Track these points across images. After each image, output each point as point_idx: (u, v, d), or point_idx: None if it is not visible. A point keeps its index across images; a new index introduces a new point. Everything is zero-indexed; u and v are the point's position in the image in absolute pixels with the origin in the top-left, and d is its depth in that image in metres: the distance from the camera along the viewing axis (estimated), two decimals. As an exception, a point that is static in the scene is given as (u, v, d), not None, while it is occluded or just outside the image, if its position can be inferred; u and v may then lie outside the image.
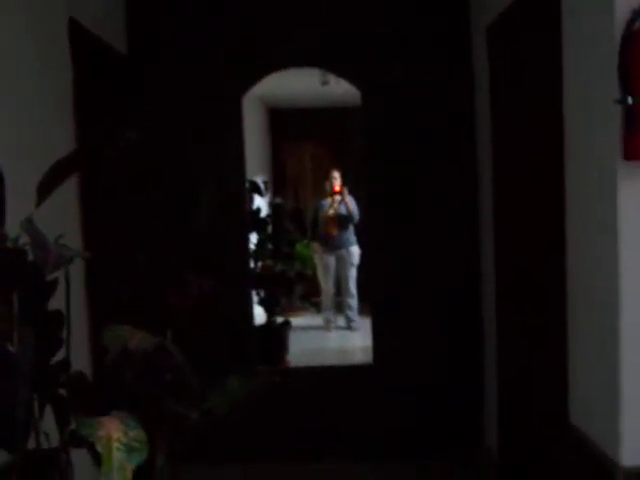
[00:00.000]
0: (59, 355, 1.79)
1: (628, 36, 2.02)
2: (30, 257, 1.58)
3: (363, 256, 7.13)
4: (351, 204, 7.20)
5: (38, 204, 1.52)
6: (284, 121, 9.07)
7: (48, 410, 1.77)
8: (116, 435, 1.35)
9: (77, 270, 2.77)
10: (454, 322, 4.16)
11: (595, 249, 2.33)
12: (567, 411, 2.61)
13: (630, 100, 2.01)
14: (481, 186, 3.98)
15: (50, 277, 1.67)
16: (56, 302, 1.78)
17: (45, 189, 1.53)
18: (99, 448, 1.34)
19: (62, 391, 1.79)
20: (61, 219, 2.75)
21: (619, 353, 2.15)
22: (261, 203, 6.41)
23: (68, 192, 2.95)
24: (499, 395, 3.67)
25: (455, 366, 4.17)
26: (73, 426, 1.44)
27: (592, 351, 2.38)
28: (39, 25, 2.83)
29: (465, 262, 4.12)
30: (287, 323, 6.32)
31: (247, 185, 4.87)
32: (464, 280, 4.13)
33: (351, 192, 7.22)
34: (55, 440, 1.78)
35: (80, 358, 1.95)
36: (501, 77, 3.45)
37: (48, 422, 1.79)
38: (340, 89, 5.64)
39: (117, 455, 1.34)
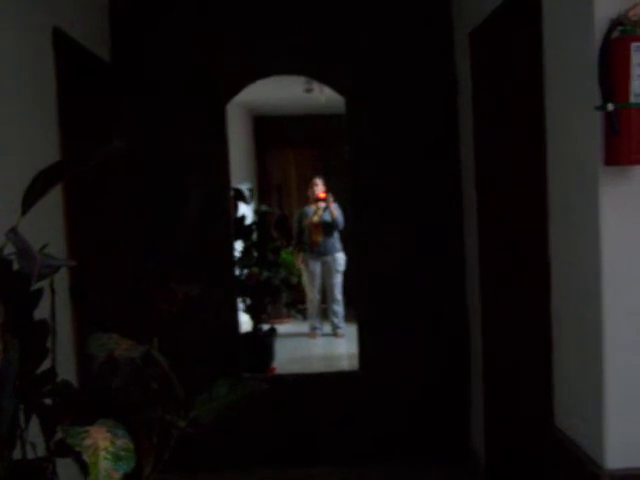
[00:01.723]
0: (45, 364, 1.79)
1: (607, 44, 2.06)
2: (15, 267, 1.57)
3: (348, 262, 7.15)
4: (336, 211, 7.21)
5: (23, 214, 1.52)
6: (269, 128, 9.08)
7: (34, 420, 1.77)
8: (103, 444, 1.35)
9: (63, 279, 2.77)
10: (440, 327, 4.17)
11: (577, 253, 2.35)
12: (552, 414, 2.63)
13: (610, 106, 2.04)
14: (465, 190, 4.01)
15: (35, 286, 1.66)
16: (42, 311, 1.78)
17: (30, 199, 1.52)
18: (86, 457, 1.34)
19: (48, 401, 1.78)
20: (46, 227, 2.74)
21: (603, 356, 2.16)
22: (246, 211, 6.41)
23: (53, 200, 2.94)
24: (485, 399, 3.69)
25: (441, 370, 4.18)
26: (59, 436, 1.44)
27: (576, 354, 2.40)
28: (23, 34, 2.82)
29: (450, 267, 4.14)
30: (273, 330, 6.31)
31: (232, 193, 4.87)
32: (449, 285, 4.15)
33: (336, 199, 7.24)
34: (41, 450, 1.77)
35: (66, 367, 1.95)
36: (483, 83, 3.48)
37: (34, 432, 1.78)
38: (324, 96, 5.66)
39: (104, 464, 1.34)
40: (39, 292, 1.70)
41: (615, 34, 2.06)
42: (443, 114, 4.12)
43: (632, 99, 2.01)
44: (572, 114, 2.35)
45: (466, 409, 4.15)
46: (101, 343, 1.61)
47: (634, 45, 2.00)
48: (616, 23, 2.06)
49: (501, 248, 3.30)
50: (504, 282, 3.28)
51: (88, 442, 1.35)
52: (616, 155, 2.08)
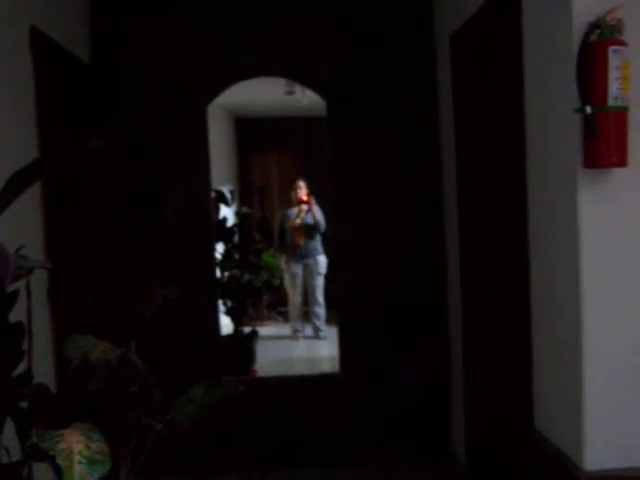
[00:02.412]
0: (21, 367, 1.76)
1: (585, 48, 2.07)
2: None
3: (330, 265, 7.14)
4: (318, 213, 7.20)
5: (-2, 214, 1.50)
6: (250, 130, 9.05)
7: (8, 424, 1.74)
8: (77, 448, 1.33)
9: (41, 280, 2.74)
10: (421, 330, 4.17)
11: (556, 256, 2.36)
12: (532, 416, 2.64)
13: (589, 109, 2.05)
14: (446, 191, 4.02)
15: (11, 288, 1.64)
16: (19, 313, 1.75)
17: (4, 200, 1.50)
18: (60, 461, 1.32)
19: (23, 404, 1.76)
20: (24, 227, 2.72)
21: (581, 358, 2.17)
22: (228, 213, 6.39)
23: (32, 200, 2.91)
24: (466, 401, 3.70)
25: (422, 373, 4.18)
26: (34, 439, 1.42)
27: (555, 356, 2.41)
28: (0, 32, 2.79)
29: (431, 271, 4.15)
30: (254, 333, 6.29)
31: (213, 195, 4.85)
32: (430, 289, 4.15)
33: (318, 201, 7.23)
34: (16, 454, 1.75)
35: (44, 370, 1.92)
36: (464, 84, 3.49)
37: (8, 436, 1.76)
38: (306, 99, 5.66)
39: (78, 468, 1.32)
40: (14, 294, 1.67)
41: (593, 37, 2.07)
42: (424, 116, 4.13)
43: (610, 102, 2.03)
44: (552, 116, 2.37)
45: (447, 412, 4.16)
46: (77, 345, 1.59)
47: (612, 48, 2.02)
48: (594, 27, 2.08)
49: (482, 251, 3.31)
50: (485, 285, 3.29)
51: (62, 446, 1.33)
52: (595, 157, 2.09)
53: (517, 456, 2.85)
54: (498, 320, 3.09)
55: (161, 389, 1.82)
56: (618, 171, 2.13)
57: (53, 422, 1.55)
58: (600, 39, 2.06)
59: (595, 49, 2.05)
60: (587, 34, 2.07)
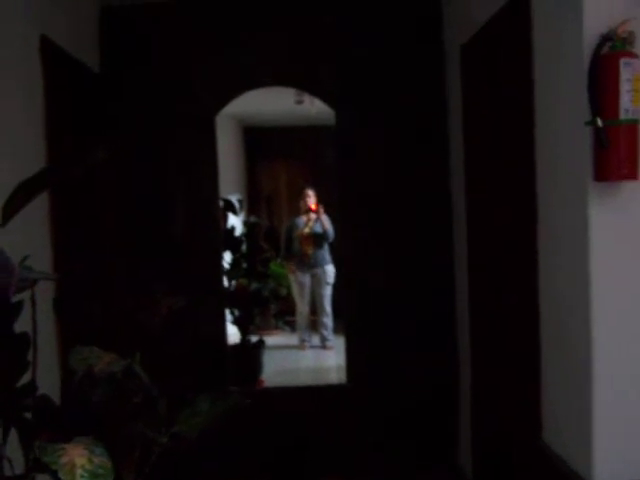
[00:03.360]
0: (25, 378, 1.75)
1: (596, 60, 2.05)
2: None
3: (338, 275, 7.12)
4: (326, 222, 7.18)
5: (3, 224, 1.49)
6: (259, 140, 9.06)
7: (13, 435, 1.73)
8: (80, 462, 1.32)
9: (47, 290, 2.73)
10: (429, 340, 4.15)
11: (566, 269, 2.34)
12: (540, 428, 2.61)
13: (599, 122, 2.03)
14: (454, 203, 4.00)
15: (16, 299, 1.63)
16: (25, 323, 1.74)
17: (10, 209, 1.50)
18: (62, 475, 1.31)
19: (28, 415, 1.75)
20: (31, 236, 2.71)
21: (591, 370, 2.15)
22: (236, 222, 6.39)
23: (39, 209, 2.91)
24: (473, 412, 3.67)
25: (429, 384, 4.15)
26: (37, 453, 1.41)
27: (564, 368, 2.39)
28: (10, 41, 2.80)
29: (439, 281, 4.12)
30: (261, 342, 6.27)
31: (221, 204, 4.85)
32: (438, 299, 4.13)
33: (326, 210, 7.22)
34: (19, 465, 1.74)
35: (50, 381, 1.91)
36: (474, 96, 3.48)
37: (11, 447, 1.75)
38: (314, 108, 5.66)
39: (81, 482, 1.31)
40: (19, 304, 1.67)
41: (605, 50, 2.06)
42: (433, 127, 4.12)
43: (621, 115, 2.01)
44: (562, 129, 2.35)
45: (454, 423, 4.12)
46: (82, 357, 1.58)
47: (623, 61, 2.01)
48: (606, 39, 2.06)
49: (491, 262, 3.29)
50: (493, 296, 3.27)
51: (64, 460, 1.32)
52: (606, 170, 2.07)
53: (524, 468, 2.83)
54: (506, 330, 3.07)
55: (166, 399, 1.80)
56: (629, 184, 2.11)
57: (56, 434, 1.54)
58: (612, 51, 2.04)
59: (606, 61, 2.03)
60: (598, 46, 2.06)
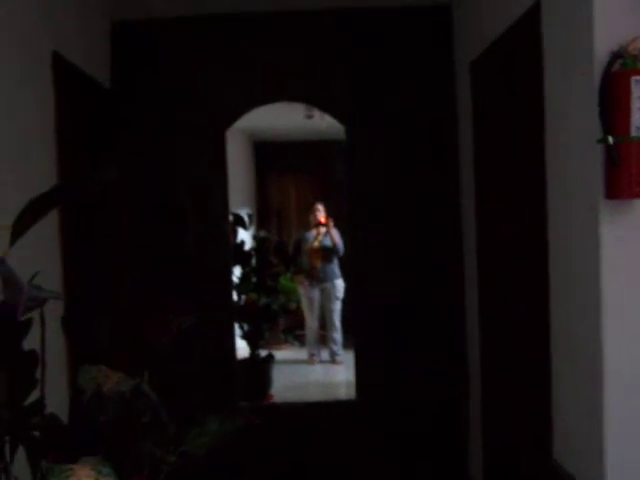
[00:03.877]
0: (34, 396, 1.75)
1: (607, 77, 2.05)
2: (2, 297, 1.54)
3: (348, 289, 7.10)
4: (336, 236, 7.17)
5: (12, 243, 1.49)
6: (269, 154, 9.08)
7: (20, 453, 1.72)
8: (87, 483, 1.31)
9: (56, 308, 2.73)
10: (438, 356, 4.13)
11: (577, 287, 2.32)
12: (551, 447, 2.58)
13: (611, 139, 2.02)
14: (465, 218, 3.99)
15: (25, 316, 1.63)
16: (34, 341, 1.74)
17: (20, 227, 1.50)
18: (70, 497, 1.30)
19: (36, 433, 1.74)
20: (41, 253, 2.72)
21: (602, 388, 2.14)
22: (245, 236, 6.40)
23: (49, 226, 2.92)
24: (483, 428, 3.64)
25: (439, 400, 4.13)
26: (44, 473, 1.40)
27: (575, 385, 2.37)
28: (22, 57, 2.82)
29: (449, 297, 4.10)
30: (271, 357, 6.26)
31: (231, 218, 4.85)
32: (448, 315, 4.11)
33: (336, 224, 7.22)
34: (27, 484, 1.73)
35: (59, 399, 1.91)
36: (484, 112, 3.48)
37: (19, 465, 1.74)
38: (325, 123, 5.67)
39: (88, 504, 1.30)
40: (28, 322, 1.66)
41: (615, 67, 2.05)
42: (443, 143, 4.11)
43: (633, 132, 2.00)
44: (573, 146, 2.34)
45: (464, 440, 4.09)
46: (90, 376, 1.57)
47: (634, 79, 2.00)
48: (617, 56, 2.05)
49: (500, 276, 3.28)
50: (503, 312, 3.25)
51: (72, 481, 1.31)
52: (617, 188, 2.06)
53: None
54: (517, 347, 3.05)
55: (175, 415, 1.80)
56: (641, 202, 2.10)
57: (64, 453, 1.53)
58: (623, 69, 2.03)
59: (617, 79, 2.03)
60: (609, 64, 2.05)
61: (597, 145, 2.10)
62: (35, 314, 1.71)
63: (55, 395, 1.87)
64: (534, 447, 2.78)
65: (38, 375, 1.72)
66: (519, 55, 2.86)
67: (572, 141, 2.34)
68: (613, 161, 2.03)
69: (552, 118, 2.53)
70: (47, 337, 1.72)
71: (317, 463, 4.12)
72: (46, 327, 1.71)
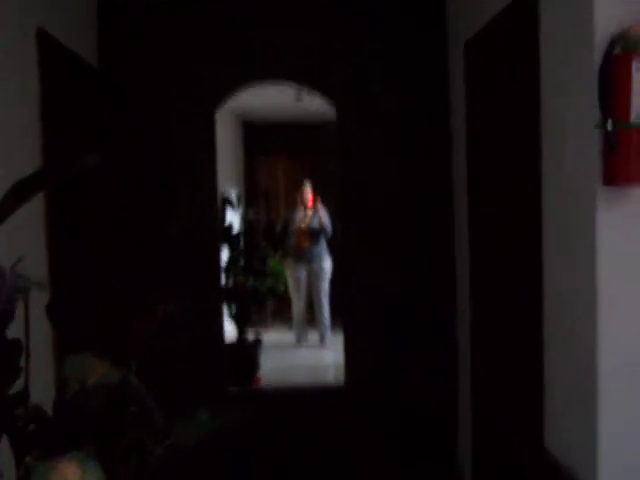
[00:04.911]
0: (18, 386, 1.69)
1: (607, 61, 2.00)
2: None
3: (335, 270, 7.06)
4: (325, 218, 7.12)
5: (-6, 230, 1.44)
6: (258, 135, 9.00)
7: (4, 446, 1.67)
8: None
9: (42, 295, 2.68)
10: (428, 341, 4.11)
11: (573, 274, 2.29)
12: (542, 435, 2.57)
13: (609, 125, 1.98)
14: (456, 200, 3.95)
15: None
16: (19, 330, 1.69)
17: (2, 212, 1.44)
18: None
19: (20, 424, 1.69)
20: (26, 238, 2.66)
21: (596, 376, 2.12)
22: (234, 217, 6.34)
23: (34, 210, 2.85)
24: (474, 417, 3.63)
25: (429, 388, 4.11)
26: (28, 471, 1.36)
27: (568, 373, 2.35)
28: (5, 33, 2.73)
29: (440, 283, 4.07)
30: (258, 341, 6.23)
31: (219, 200, 4.79)
32: (439, 301, 4.08)
33: (323, 201, 7.17)
34: (10, 478, 1.68)
35: (44, 388, 1.86)
36: (477, 93, 3.42)
37: (2, 459, 1.69)
38: (314, 105, 5.60)
39: (74, 501, 1.25)
40: (11, 310, 1.60)
41: (616, 51, 2.00)
42: (435, 123, 4.07)
43: (633, 118, 1.96)
44: (570, 131, 2.30)
45: (454, 428, 4.08)
46: (76, 366, 1.53)
47: (636, 62, 1.95)
48: (617, 39, 2.00)
49: (493, 266, 3.25)
50: (495, 298, 3.23)
51: (57, 479, 1.27)
52: (615, 175, 2.03)
53: (526, 475, 2.78)
54: (508, 334, 3.03)
55: (164, 405, 1.75)
56: (638, 189, 2.06)
57: (48, 446, 1.49)
58: (623, 53, 1.98)
59: (618, 63, 1.98)
60: (610, 47, 2.00)
61: (595, 130, 2.05)
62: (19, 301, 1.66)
63: (40, 385, 1.82)
64: (525, 436, 2.77)
65: (22, 364, 1.67)
66: (515, 36, 2.80)
67: (570, 126, 2.30)
68: (611, 147, 1.99)
69: (549, 102, 2.48)
70: (32, 325, 1.67)
71: (304, 449, 4.10)
72: (31, 314, 1.66)
